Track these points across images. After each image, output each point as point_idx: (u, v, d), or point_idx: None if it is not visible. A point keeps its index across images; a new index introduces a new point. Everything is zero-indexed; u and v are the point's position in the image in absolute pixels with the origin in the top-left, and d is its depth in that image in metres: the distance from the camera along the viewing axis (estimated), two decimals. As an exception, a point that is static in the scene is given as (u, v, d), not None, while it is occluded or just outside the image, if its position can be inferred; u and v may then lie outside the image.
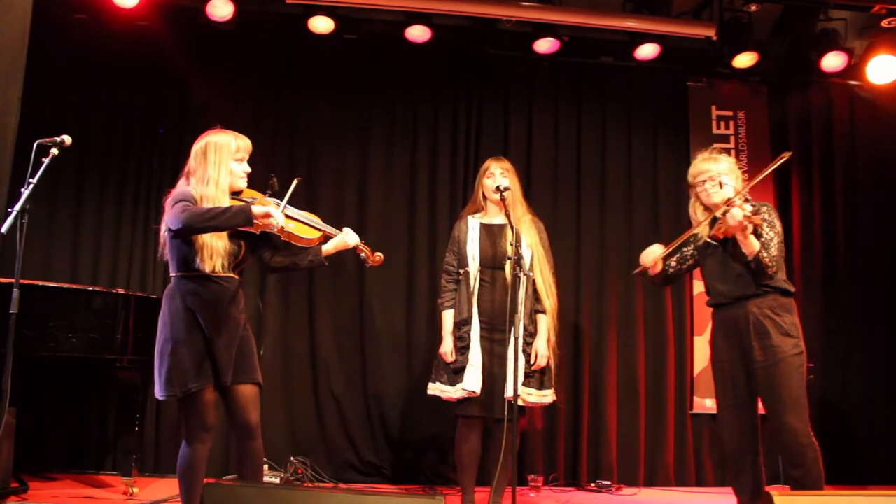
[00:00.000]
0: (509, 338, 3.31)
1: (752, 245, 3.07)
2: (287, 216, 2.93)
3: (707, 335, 5.04)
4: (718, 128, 5.31)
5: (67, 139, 2.73)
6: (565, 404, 4.88)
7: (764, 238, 3.12)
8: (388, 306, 4.89)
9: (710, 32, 4.78)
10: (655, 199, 5.19)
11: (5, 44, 3.21)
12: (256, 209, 2.68)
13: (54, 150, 2.69)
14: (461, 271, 3.66)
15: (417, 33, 4.76)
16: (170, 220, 2.70)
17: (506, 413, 3.31)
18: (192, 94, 4.84)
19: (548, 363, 3.63)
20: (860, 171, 5.33)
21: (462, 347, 3.55)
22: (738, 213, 2.98)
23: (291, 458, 4.45)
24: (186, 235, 2.73)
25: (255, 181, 3.01)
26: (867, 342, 5.19)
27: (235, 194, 2.92)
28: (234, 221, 2.68)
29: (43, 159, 2.66)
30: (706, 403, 5.01)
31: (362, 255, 3.15)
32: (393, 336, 4.86)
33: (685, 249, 3.46)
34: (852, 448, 4.94)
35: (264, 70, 4.99)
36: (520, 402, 3.42)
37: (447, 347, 3.60)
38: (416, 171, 5.03)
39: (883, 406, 5.07)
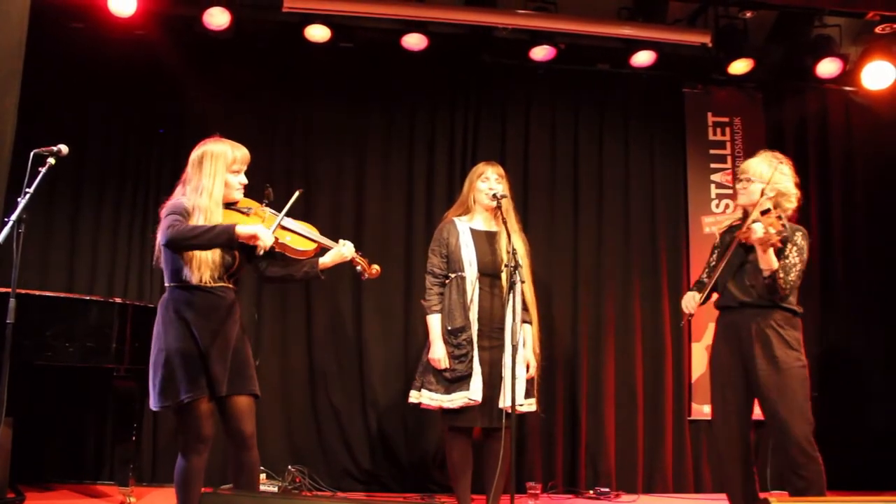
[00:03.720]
0: (505, 346, 3.29)
1: (769, 262, 3.09)
2: (283, 227, 2.89)
3: (704, 341, 5.08)
4: (714, 134, 5.32)
5: (64, 148, 2.72)
6: (563, 411, 4.89)
7: (788, 262, 3.14)
8: (385, 314, 4.88)
9: (706, 39, 4.80)
10: (652, 205, 5.20)
11: (2, 52, 3.20)
12: (241, 230, 2.63)
13: (51, 160, 2.69)
14: (450, 275, 3.61)
15: (414, 41, 4.77)
16: (159, 232, 2.72)
17: (503, 421, 3.30)
18: (189, 102, 4.83)
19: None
20: (857, 176, 5.35)
21: (461, 356, 3.48)
22: (759, 229, 3.00)
23: (289, 467, 4.44)
24: (171, 251, 2.74)
25: (251, 190, 3.00)
26: (865, 344, 5.19)
27: (231, 204, 2.89)
28: (217, 242, 2.67)
29: (40, 168, 2.66)
30: (704, 410, 5.00)
31: (358, 267, 3.07)
32: (390, 344, 4.85)
33: (710, 259, 3.49)
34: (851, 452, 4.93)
35: (261, 78, 4.98)
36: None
37: (440, 354, 3.52)
38: (413, 179, 5.03)
39: (878, 408, 5.07)
